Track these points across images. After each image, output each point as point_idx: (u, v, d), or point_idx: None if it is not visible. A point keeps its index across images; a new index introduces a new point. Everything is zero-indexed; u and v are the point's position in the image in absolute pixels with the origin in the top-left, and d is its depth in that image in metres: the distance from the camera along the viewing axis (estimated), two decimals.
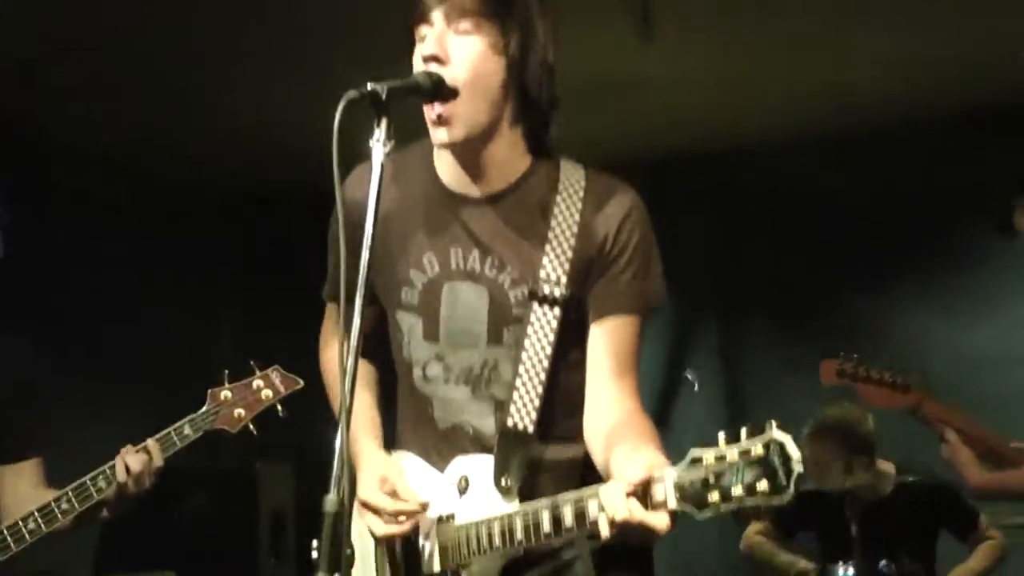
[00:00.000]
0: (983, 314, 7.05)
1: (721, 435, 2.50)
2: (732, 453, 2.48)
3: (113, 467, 4.07)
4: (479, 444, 3.10)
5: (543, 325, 3.05)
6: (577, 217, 3.06)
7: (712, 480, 2.50)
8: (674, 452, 2.66)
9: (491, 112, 2.99)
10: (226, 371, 4.22)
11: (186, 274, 8.05)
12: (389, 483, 3.05)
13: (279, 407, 4.25)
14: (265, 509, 6.97)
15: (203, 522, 6.90)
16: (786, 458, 2.41)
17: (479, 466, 3.05)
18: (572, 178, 3.10)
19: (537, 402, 3.04)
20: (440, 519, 3.08)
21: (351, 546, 3.04)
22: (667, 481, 2.56)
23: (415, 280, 3.12)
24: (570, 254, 3.04)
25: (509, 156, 3.07)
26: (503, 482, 3.01)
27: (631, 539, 2.68)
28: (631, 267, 3.06)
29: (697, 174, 7.86)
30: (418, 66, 2.93)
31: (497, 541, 2.94)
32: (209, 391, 4.20)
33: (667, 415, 7.75)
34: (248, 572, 6.58)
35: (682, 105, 7.31)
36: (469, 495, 3.06)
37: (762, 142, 7.83)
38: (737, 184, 7.95)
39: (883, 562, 5.56)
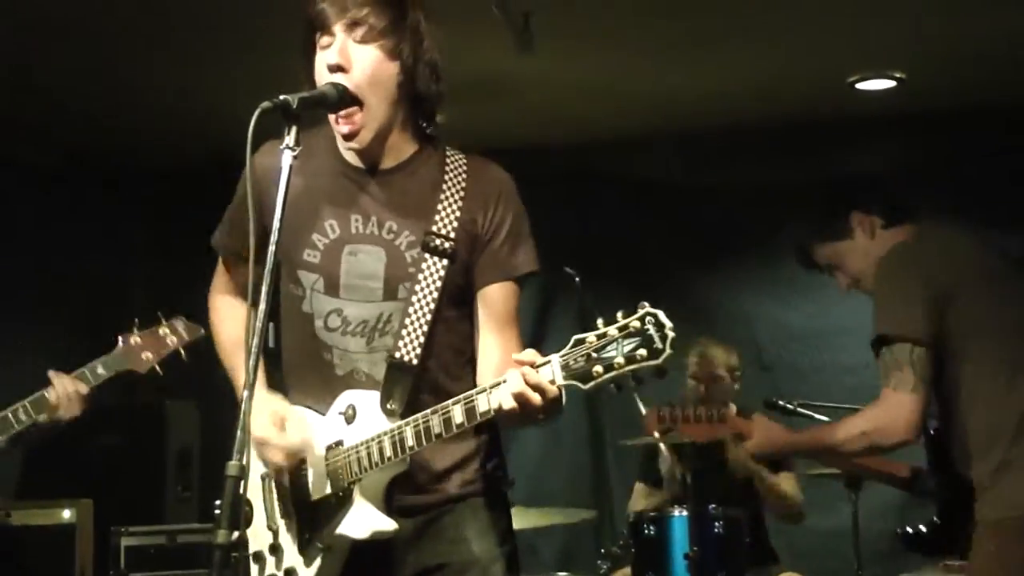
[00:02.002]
0: (803, 294, 7.17)
1: (599, 320, 2.61)
2: (611, 330, 2.58)
3: (35, 400, 4.12)
4: (369, 386, 3.10)
5: (432, 273, 3.09)
6: (462, 192, 3.14)
7: (595, 355, 2.59)
8: None
9: (389, 111, 3.08)
10: (136, 319, 4.24)
11: (103, 239, 7.91)
12: (279, 416, 3.09)
13: (182, 352, 4.28)
14: (172, 445, 6.90)
15: (117, 456, 6.84)
16: (660, 325, 2.53)
17: (365, 397, 3.07)
18: (456, 160, 3.21)
19: (423, 339, 3.07)
20: (328, 447, 3.08)
21: (249, 504, 3.04)
22: (554, 362, 2.67)
23: (317, 242, 3.14)
24: (455, 224, 3.11)
25: (402, 142, 3.15)
26: (388, 406, 3.03)
27: (527, 418, 2.79)
28: (508, 240, 3.15)
29: (565, 162, 7.90)
30: (322, 72, 3.02)
31: (389, 452, 2.95)
32: (120, 336, 4.23)
33: None
34: (157, 502, 6.50)
35: (553, 103, 7.32)
36: (356, 422, 3.06)
37: (621, 137, 7.92)
38: (599, 172, 8.06)
39: (711, 506, 5.63)
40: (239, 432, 2.55)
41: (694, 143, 7.92)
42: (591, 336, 2.59)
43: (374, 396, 3.04)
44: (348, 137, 3.04)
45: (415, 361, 3.06)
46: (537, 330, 7.73)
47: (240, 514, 2.54)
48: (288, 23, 3.16)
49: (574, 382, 2.63)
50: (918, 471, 4.26)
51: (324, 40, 3.01)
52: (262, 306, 2.64)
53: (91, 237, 7.81)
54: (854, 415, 4.02)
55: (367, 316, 3.12)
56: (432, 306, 3.08)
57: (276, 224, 2.73)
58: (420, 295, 3.08)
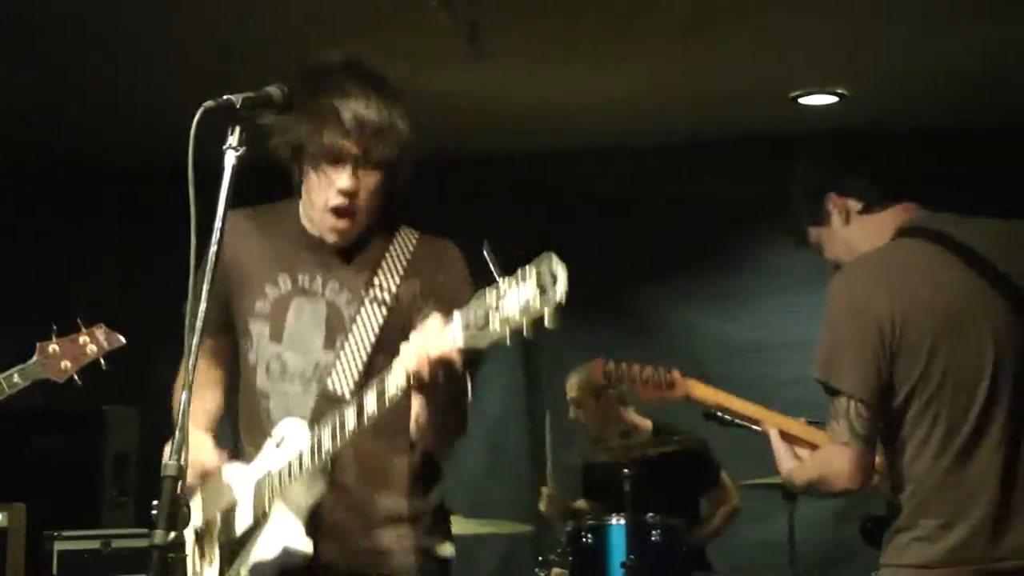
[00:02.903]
0: (744, 307, 7.21)
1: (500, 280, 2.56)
2: (509, 282, 2.51)
3: None
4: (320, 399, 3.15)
5: (370, 318, 3.19)
6: (406, 261, 3.25)
7: (494, 306, 2.54)
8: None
9: (376, 212, 3.23)
10: (54, 326, 4.20)
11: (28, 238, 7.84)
12: (204, 472, 3.19)
13: (102, 361, 4.23)
14: (110, 449, 6.84)
15: (52, 460, 6.76)
16: (552, 269, 2.43)
17: (296, 425, 3.11)
18: (406, 236, 3.32)
19: (356, 375, 3.13)
20: (258, 481, 3.13)
21: (187, 504, 3.03)
22: (455, 321, 2.66)
23: (269, 293, 3.26)
24: (400, 275, 3.23)
25: (365, 224, 3.25)
26: (315, 428, 3.03)
27: (437, 388, 2.81)
28: (445, 304, 2.96)
29: (514, 171, 7.88)
30: (328, 188, 3.14)
31: (307, 458, 2.98)
32: (38, 344, 4.18)
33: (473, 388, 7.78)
34: (93, 507, 6.43)
35: (503, 113, 7.30)
36: (283, 446, 3.11)
37: (569, 149, 7.95)
38: (548, 183, 8.05)
39: (649, 515, 5.65)
40: (177, 432, 2.55)
41: (640, 156, 7.97)
42: (491, 292, 2.54)
43: (303, 425, 3.09)
44: (341, 214, 3.14)
45: (347, 394, 3.09)
46: None
47: (178, 514, 2.52)
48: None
49: (472, 342, 2.60)
50: None
51: (335, 169, 3.11)
52: (203, 300, 2.66)
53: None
54: (809, 459, 3.78)
55: (304, 366, 3.21)
56: (368, 347, 3.16)
57: (215, 236, 2.72)
58: (354, 339, 3.17)
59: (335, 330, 3.20)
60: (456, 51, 5.97)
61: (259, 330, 3.25)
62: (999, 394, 3.47)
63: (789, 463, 3.82)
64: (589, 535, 5.76)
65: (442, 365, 2.71)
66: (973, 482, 3.47)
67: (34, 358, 4.14)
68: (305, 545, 3.03)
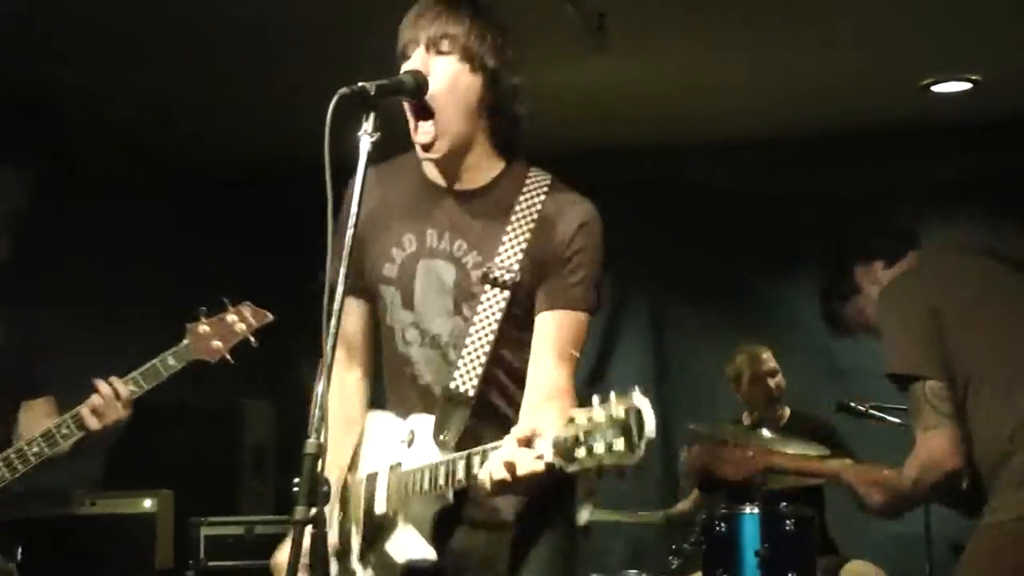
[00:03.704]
0: None
1: (595, 398, 2.51)
2: (600, 415, 2.48)
3: (75, 415, 4.09)
4: (443, 402, 3.11)
5: (492, 305, 3.08)
6: (535, 216, 3.10)
7: (582, 438, 2.51)
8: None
9: (467, 125, 3.07)
10: (203, 308, 4.15)
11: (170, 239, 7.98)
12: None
13: (252, 339, 4.16)
14: (249, 441, 6.98)
15: (195, 451, 6.93)
16: (641, 423, 2.40)
17: (425, 423, 3.09)
18: (537, 184, 3.16)
19: (480, 371, 3.07)
20: (391, 467, 3.13)
21: (327, 483, 3.09)
22: (547, 439, 2.61)
23: (395, 256, 3.17)
24: (520, 253, 3.08)
25: (483, 162, 3.14)
26: (441, 437, 3.05)
27: (508, 491, 2.76)
28: (582, 270, 3.09)
29: (635, 168, 7.89)
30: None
31: (426, 486, 2.98)
32: (188, 325, 4.13)
33: (603, 372, 7.81)
34: (233, 496, 6.62)
35: (624, 109, 7.31)
36: (413, 447, 3.10)
37: (693, 143, 7.93)
38: (667, 180, 8.04)
39: (783, 504, 5.62)
40: (316, 411, 2.58)
41: (768, 149, 7.87)
42: (583, 417, 2.51)
43: (430, 424, 3.08)
44: (425, 148, 3.04)
45: (471, 392, 3.07)
46: (600, 342, 7.87)
47: (318, 492, 2.56)
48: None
49: (558, 461, 2.55)
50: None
51: (409, 53, 3.04)
52: (340, 289, 2.65)
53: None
54: (905, 470, 3.95)
55: (438, 330, 3.15)
56: (491, 337, 3.08)
57: (352, 213, 2.73)
58: (479, 325, 3.09)
59: (461, 295, 3.11)
60: (579, 44, 5.92)
61: (391, 296, 3.18)
62: None
63: (877, 497, 4.08)
64: (722, 524, 5.70)
65: (526, 480, 2.64)
66: None
67: (185, 340, 4.10)
68: (429, 554, 3.06)
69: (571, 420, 2.53)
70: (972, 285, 3.94)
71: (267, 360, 4.44)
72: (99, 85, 6.72)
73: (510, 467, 2.63)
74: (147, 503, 5.97)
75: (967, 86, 6.99)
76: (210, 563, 5.67)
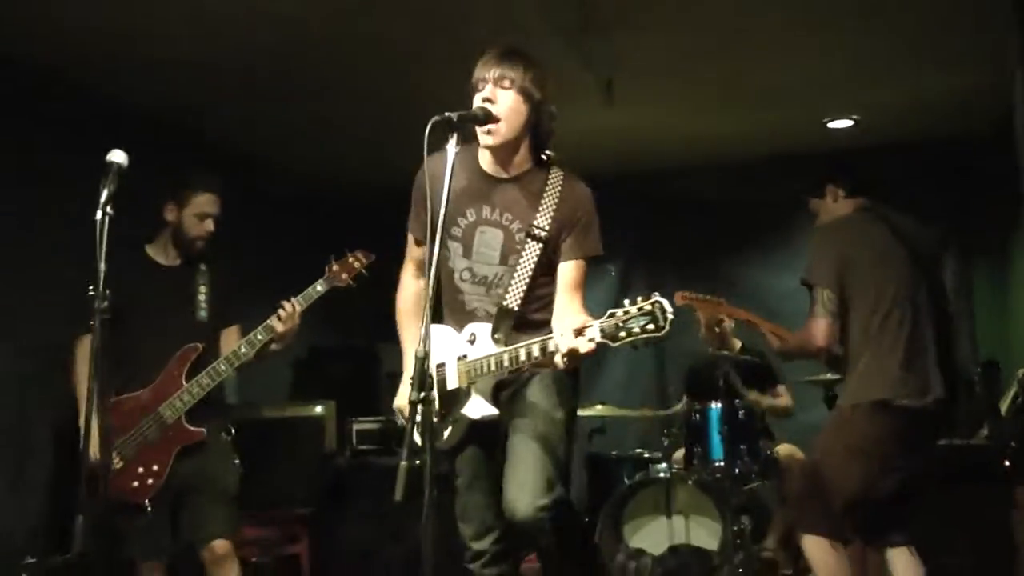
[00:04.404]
0: (787, 267, 6.87)
1: (627, 301, 2.68)
2: (633, 310, 2.66)
3: (266, 325, 4.09)
4: (484, 319, 3.17)
5: (532, 252, 3.14)
6: (557, 199, 3.14)
7: (621, 324, 2.67)
8: None
9: (517, 135, 3.11)
10: (332, 256, 4.20)
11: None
12: (402, 409, 3.29)
13: (364, 271, 4.19)
14: (384, 369, 6.98)
15: (351, 376, 7.00)
16: (664, 311, 2.62)
17: (483, 328, 3.15)
18: (556, 176, 3.20)
19: (522, 293, 3.13)
20: (459, 357, 3.15)
21: (431, 375, 3.08)
22: (595, 327, 2.73)
23: (461, 222, 3.20)
24: (550, 220, 3.13)
25: (523, 161, 3.18)
26: (495, 336, 3.11)
27: (571, 364, 2.82)
28: (586, 231, 3.17)
29: (634, 188, 7.70)
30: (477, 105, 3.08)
31: (492, 366, 3.03)
32: (325, 267, 4.19)
33: None
34: (376, 405, 6.56)
35: (632, 142, 7.17)
36: (476, 344, 3.15)
37: (679, 166, 7.73)
38: (654, 195, 7.80)
39: (737, 401, 5.55)
40: (423, 332, 2.57)
41: (719, 170, 7.69)
42: (620, 312, 2.65)
43: (487, 328, 3.11)
44: (488, 133, 3.06)
45: (516, 307, 3.11)
46: (611, 303, 7.68)
47: (425, 381, 2.56)
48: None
49: (606, 340, 2.67)
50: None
51: (480, 87, 3.07)
52: (434, 260, 2.67)
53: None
54: (791, 337, 4.10)
55: (487, 274, 3.17)
56: (530, 272, 3.11)
57: (444, 202, 2.73)
58: (523, 265, 3.11)
59: (509, 251, 3.14)
60: (593, 97, 5.83)
61: (455, 247, 3.20)
62: (901, 297, 3.93)
63: (777, 343, 4.22)
64: (697, 415, 5.66)
65: (582, 352, 2.74)
66: (886, 343, 3.88)
67: (324, 275, 4.18)
68: (495, 411, 3.13)
69: (611, 314, 2.67)
70: (874, 249, 3.99)
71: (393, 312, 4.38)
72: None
73: (573, 349, 2.72)
74: (318, 409, 5.99)
75: (851, 123, 6.84)
76: (359, 447, 5.65)
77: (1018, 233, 6.61)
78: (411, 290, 3.39)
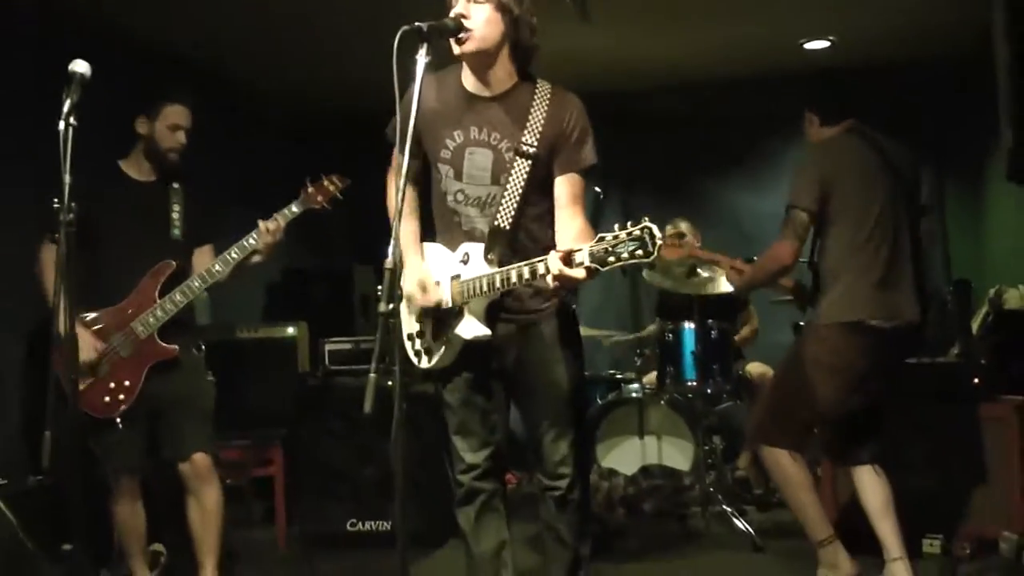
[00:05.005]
0: (772, 189, 6.90)
1: (616, 226, 2.61)
2: (622, 235, 2.61)
3: (245, 240, 4.07)
4: (481, 239, 3.12)
5: (521, 170, 3.08)
6: (545, 111, 3.07)
7: (611, 249, 2.61)
8: None
9: (491, 45, 3.03)
10: (308, 178, 4.18)
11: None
12: (423, 282, 3.15)
13: (339, 195, 4.19)
14: (358, 292, 6.99)
15: (325, 298, 7.02)
16: (652, 236, 2.56)
17: (476, 248, 3.12)
18: (543, 90, 3.12)
19: (514, 213, 3.08)
20: (452, 277, 3.14)
21: (400, 289, 3.04)
22: (584, 251, 2.66)
23: (449, 144, 3.15)
24: (539, 136, 3.06)
25: (506, 77, 3.10)
26: (489, 256, 3.08)
27: (563, 287, 2.78)
28: (579, 144, 3.11)
29: (608, 109, 7.54)
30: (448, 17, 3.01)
31: (485, 287, 3.02)
32: (300, 189, 4.18)
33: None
34: (348, 327, 6.60)
35: (606, 63, 7.04)
36: (469, 264, 3.12)
37: (654, 86, 7.64)
38: (628, 116, 7.61)
39: (710, 320, 5.56)
40: (392, 241, 2.55)
41: (694, 90, 7.62)
42: (609, 236, 2.61)
43: (480, 248, 3.07)
44: (459, 43, 2.98)
45: (507, 227, 3.07)
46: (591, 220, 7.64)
47: (394, 294, 2.56)
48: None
49: (595, 265, 2.63)
50: (800, 284, 4.29)
51: (454, 2, 3.00)
52: (402, 177, 2.68)
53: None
54: (762, 256, 4.11)
55: (479, 194, 3.12)
56: (521, 191, 3.06)
57: (412, 117, 2.68)
58: (513, 183, 3.06)
59: (499, 170, 3.09)
60: (567, 16, 5.74)
61: (446, 170, 3.16)
62: (883, 217, 3.95)
63: (736, 279, 4.29)
64: (671, 334, 5.67)
65: (572, 277, 2.70)
66: (864, 262, 3.92)
67: (300, 197, 4.16)
68: (486, 331, 3.11)
69: (601, 238, 2.63)
70: (859, 170, 3.98)
71: (369, 236, 4.36)
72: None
73: (563, 273, 2.69)
74: (290, 330, 5.98)
75: (828, 43, 6.77)
76: (331, 367, 5.65)
77: (995, 154, 6.62)
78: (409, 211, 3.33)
